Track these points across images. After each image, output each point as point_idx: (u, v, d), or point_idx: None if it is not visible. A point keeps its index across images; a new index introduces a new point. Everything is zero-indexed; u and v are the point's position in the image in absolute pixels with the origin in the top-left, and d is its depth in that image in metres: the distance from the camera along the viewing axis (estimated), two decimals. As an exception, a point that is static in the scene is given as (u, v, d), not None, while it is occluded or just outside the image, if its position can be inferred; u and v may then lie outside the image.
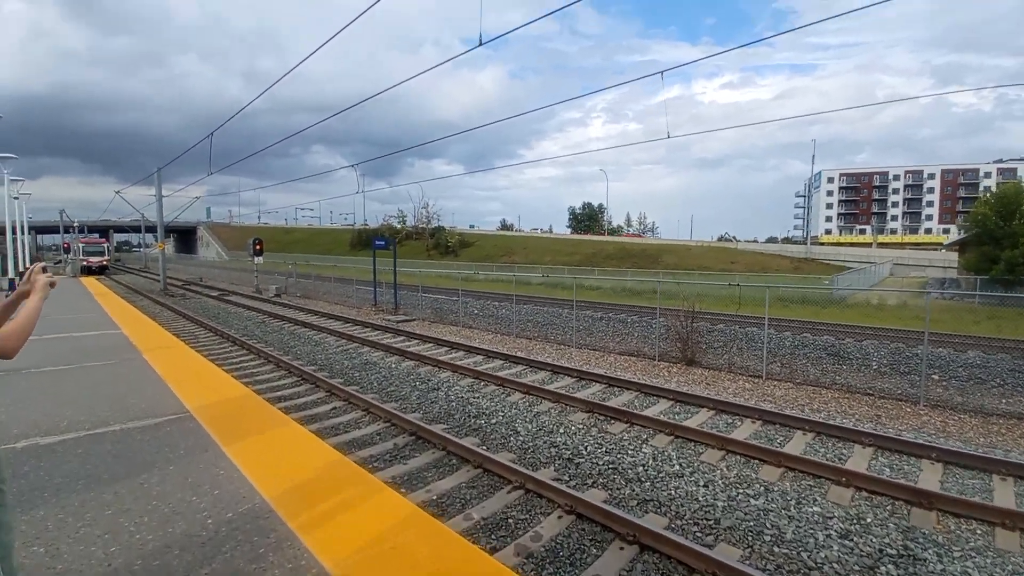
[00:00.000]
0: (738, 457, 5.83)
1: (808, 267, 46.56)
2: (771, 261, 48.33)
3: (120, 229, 78.58)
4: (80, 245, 43.01)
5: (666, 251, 52.93)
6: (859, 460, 5.82)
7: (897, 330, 14.79)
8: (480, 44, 6.93)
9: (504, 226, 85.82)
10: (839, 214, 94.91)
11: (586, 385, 8.98)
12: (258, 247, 27.50)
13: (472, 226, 76.27)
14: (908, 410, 8.12)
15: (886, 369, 11.07)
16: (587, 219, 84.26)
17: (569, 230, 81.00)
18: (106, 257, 44.11)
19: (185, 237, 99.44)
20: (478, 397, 8.07)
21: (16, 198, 23.18)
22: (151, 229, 56.03)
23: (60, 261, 53.46)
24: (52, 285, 1.89)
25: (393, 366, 10.21)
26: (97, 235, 61.12)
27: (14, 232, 22.78)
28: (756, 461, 5.71)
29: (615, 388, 8.75)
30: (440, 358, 10.62)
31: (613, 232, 73.29)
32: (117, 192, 32.26)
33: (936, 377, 9.90)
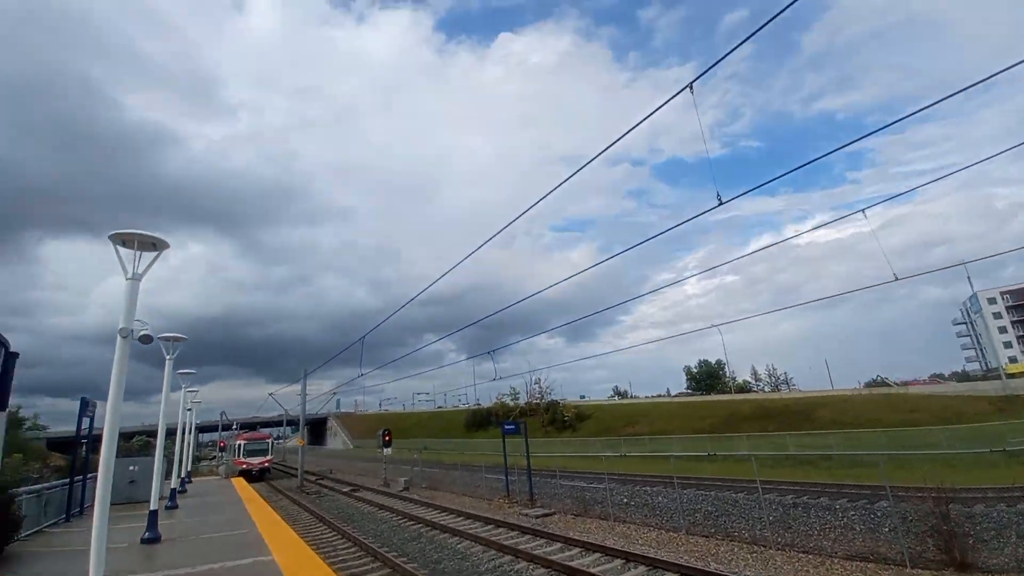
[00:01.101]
0: None
1: (1016, 407, 37.02)
2: (962, 405, 39.19)
3: (264, 424, 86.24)
4: (240, 443, 36.17)
5: (817, 404, 45.54)
6: None
7: None
8: (720, 203, 6.84)
9: (618, 392, 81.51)
10: (1019, 337, 79.35)
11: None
12: (387, 438, 27.67)
13: (583, 396, 73.34)
14: None
15: None
16: (707, 377, 77.72)
17: (689, 391, 74.79)
18: (269, 456, 35.54)
19: (316, 428, 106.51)
20: (705, 653, 5.78)
21: (190, 409, 26.08)
22: (291, 422, 60.12)
23: (214, 458, 57.23)
24: None
25: (564, 592, 8.19)
26: (255, 430, 53.86)
27: (184, 435, 25.06)
28: None
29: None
30: (619, 578, 8.47)
31: (741, 389, 66.11)
32: (270, 394, 35.82)
33: None
